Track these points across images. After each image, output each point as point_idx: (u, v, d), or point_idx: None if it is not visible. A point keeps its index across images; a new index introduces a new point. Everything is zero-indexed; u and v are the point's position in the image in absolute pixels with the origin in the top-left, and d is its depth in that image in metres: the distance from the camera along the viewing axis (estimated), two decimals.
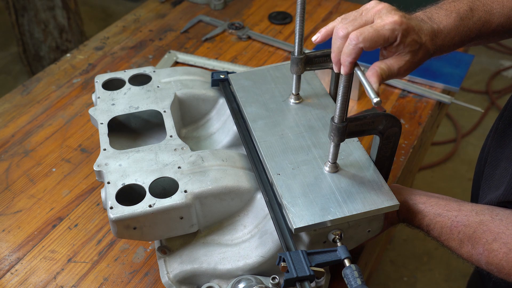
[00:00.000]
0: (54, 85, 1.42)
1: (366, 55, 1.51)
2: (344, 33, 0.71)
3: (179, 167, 0.86)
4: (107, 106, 0.98)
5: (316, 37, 0.77)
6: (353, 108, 1.32)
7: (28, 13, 2.45)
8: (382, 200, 0.79)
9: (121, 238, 0.88)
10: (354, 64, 0.71)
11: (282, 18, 1.67)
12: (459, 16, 0.78)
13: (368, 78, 0.71)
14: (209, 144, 1.02)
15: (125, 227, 0.80)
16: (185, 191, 0.82)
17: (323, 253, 0.75)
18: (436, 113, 1.40)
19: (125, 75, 1.05)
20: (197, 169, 0.85)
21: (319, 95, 0.99)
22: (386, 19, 0.70)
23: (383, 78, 0.72)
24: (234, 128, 0.98)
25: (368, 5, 0.75)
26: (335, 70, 0.74)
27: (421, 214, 0.83)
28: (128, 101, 0.99)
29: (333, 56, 0.73)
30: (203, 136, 1.04)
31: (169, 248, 0.89)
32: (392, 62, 0.73)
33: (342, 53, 0.70)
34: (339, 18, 0.77)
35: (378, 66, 0.72)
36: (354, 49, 0.69)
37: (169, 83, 1.03)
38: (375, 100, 0.67)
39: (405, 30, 0.71)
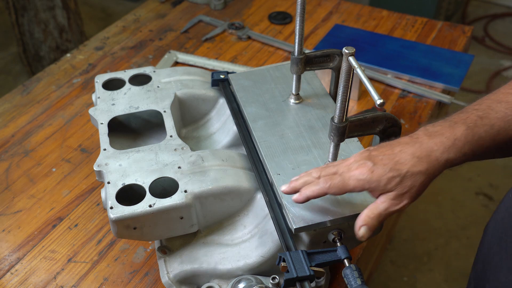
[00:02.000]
0: (54, 85, 1.42)
1: (366, 54, 1.51)
2: (317, 175, 0.77)
3: (179, 167, 0.86)
4: (107, 106, 0.98)
5: (284, 188, 0.80)
6: (353, 108, 1.32)
7: (28, 13, 2.45)
8: None
9: (121, 238, 0.88)
10: (307, 199, 0.76)
11: (282, 18, 1.67)
12: (465, 125, 0.74)
13: (360, 229, 0.74)
14: (209, 144, 1.02)
15: (125, 227, 0.80)
16: (185, 191, 0.82)
17: (323, 253, 0.75)
18: (436, 113, 1.40)
19: (125, 75, 1.05)
20: (197, 169, 0.85)
21: (319, 95, 0.99)
22: (352, 171, 0.74)
23: (374, 224, 0.74)
24: (234, 128, 0.98)
25: (346, 159, 0.77)
26: (285, 190, 0.79)
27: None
28: (128, 101, 0.99)
29: (295, 182, 0.78)
30: (203, 136, 1.04)
31: (169, 248, 0.89)
32: (378, 204, 0.74)
33: (307, 186, 0.76)
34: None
35: (364, 215, 0.75)
36: (319, 191, 0.75)
37: (169, 83, 1.03)
38: (379, 101, 0.68)
39: (369, 178, 0.72)
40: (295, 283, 0.72)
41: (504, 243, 0.74)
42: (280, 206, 0.81)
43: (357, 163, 0.74)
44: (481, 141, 0.73)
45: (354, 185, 0.73)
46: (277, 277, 0.80)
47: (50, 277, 0.96)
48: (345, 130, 0.77)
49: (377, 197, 0.75)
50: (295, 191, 0.77)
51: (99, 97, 1.01)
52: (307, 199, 0.76)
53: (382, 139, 0.83)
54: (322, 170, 0.77)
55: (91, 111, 0.98)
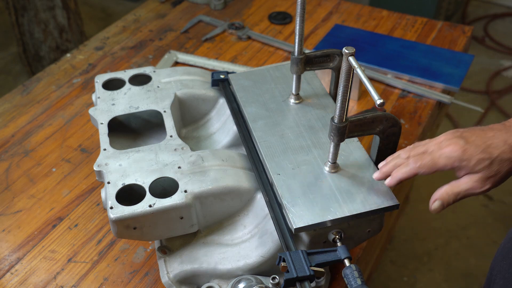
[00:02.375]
0: (54, 85, 1.42)
1: (366, 54, 1.51)
2: (405, 156, 0.78)
3: (179, 167, 0.86)
4: (107, 106, 0.98)
5: (376, 175, 0.82)
6: (353, 108, 1.32)
7: (28, 13, 2.45)
8: (382, 200, 0.79)
9: (121, 238, 0.88)
10: (400, 182, 0.78)
11: (282, 18, 1.66)
12: None
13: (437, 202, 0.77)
14: (209, 144, 1.02)
15: (125, 227, 0.80)
16: (185, 191, 0.82)
17: (323, 253, 0.75)
18: (436, 113, 1.40)
19: (125, 75, 1.05)
20: (197, 169, 0.85)
21: (319, 95, 0.99)
22: (443, 148, 0.75)
23: (450, 201, 0.77)
24: (234, 128, 0.98)
25: (435, 138, 0.79)
26: (377, 177, 0.81)
27: None
28: (128, 101, 0.99)
29: (385, 167, 0.80)
30: (203, 136, 1.04)
31: (169, 248, 0.89)
32: (461, 183, 0.76)
33: (397, 169, 0.78)
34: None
35: (443, 190, 0.77)
36: (410, 172, 0.76)
37: (169, 83, 1.03)
38: (379, 101, 0.68)
39: (460, 155, 0.74)
40: (295, 283, 0.72)
41: (505, 262, 0.75)
42: (280, 206, 0.81)
43: (449, 140, 0.75)
44: None
45: (445, 163, 0.74)
46: (277, 277, 0.80)
47: (50, 277, 0.96)
48: (345, 130, 0.77)
49: (461, 177, 0.76)
50: (387, 176, 0.79)
51: (99, 97, 1.01)
52: (399, 182, 0.78)
53: (382, 139, 0.83)
54: (411, 150, 0.78)
55: (91, 111, 0.98)
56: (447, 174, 0.78)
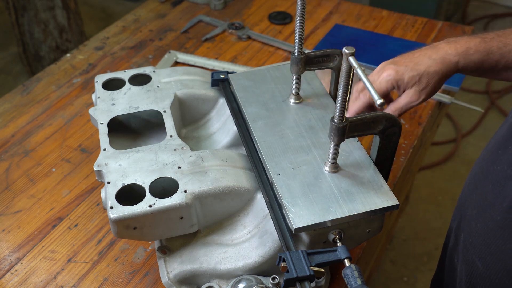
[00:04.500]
0: (54, 85, 1.42)
1: (366, 54, 1.51)
2: (357, 93, 0.94)
3: (179, 167, 0.86)
4: (107, 106, 0.98)
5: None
6: None
7: (28, 13, 2.45)
8: (382, 200, 0.79)
9: (121, 238, 0.88)
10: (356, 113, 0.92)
11: (282, 18, 1.67)
12: (481, 38, 0.87)
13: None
14: (209, 144, 1.02)
15: (125, 227, 0.80)
16: (185, 191, 0.82)
17: (323, 253, 0.75)
18: (436, 113, 1.40)
19: (125, 75, 1.05)
20: (197, 169, 0.85)
21: (319, 95, 0.99)
22: (381, 74, 0.90)
23: (396, 115, 0.91)
24: (234, 128, 0.98)
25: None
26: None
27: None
28: (128, 101, 0.99)
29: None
30: (203, 136, 1.04)
31: (169, 248, 0.89)
32: (401, 99, 0.91)
33: (352, 104, 0.93)
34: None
35: (388, 109, 0.93)
36: (364, 104, 0.93)
37: (169, 83, 1.03)
38: (379, 101, 0.68)
39: (394, 76, 0.88)
40: (295, 283, 0.72)
41: (474, 194, 0.79)
42: (280, 206, 0.81)
43: (383, 68, 0.90)
44: (491, 55, 0.86)
45: (386, 86, 0.89)
46: (277, 277, 0.80)
47: (50, 277, 0.96)
48: (345, 130, 0.77)
49: (400, 94, 0.91)
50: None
51: (99, 97, 1.01)
52: (355, 113, 0.92)
53: (382, 139, 0.83)
54: (358, 85, 0.93)
55: (91, 111, 0.98)
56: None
